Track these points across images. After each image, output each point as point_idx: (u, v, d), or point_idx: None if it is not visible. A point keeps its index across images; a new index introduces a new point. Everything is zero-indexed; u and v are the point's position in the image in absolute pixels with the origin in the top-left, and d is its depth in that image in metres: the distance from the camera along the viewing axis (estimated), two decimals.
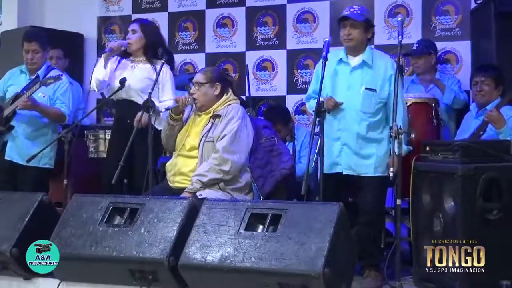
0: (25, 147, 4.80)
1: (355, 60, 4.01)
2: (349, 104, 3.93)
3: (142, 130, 4.18)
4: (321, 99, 3.74)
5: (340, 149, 3.96)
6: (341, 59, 4.05)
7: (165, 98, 4.51)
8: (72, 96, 4.99)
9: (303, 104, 5.98)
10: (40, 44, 4.87)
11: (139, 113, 4.21)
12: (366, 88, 3.93)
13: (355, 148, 3.94)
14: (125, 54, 4.64)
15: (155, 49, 4.56)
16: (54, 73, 4.77)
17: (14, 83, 4.92)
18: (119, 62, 4.61)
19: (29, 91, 4.64)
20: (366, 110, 3.93)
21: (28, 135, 4.84)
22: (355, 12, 3.97)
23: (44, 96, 4.79)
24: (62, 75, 4.80)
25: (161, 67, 4.35)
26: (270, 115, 5.38)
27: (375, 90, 3.93)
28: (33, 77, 4.83)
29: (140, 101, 4.41)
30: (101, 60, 4.55)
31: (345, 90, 3.97)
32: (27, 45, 4.86)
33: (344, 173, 3.96)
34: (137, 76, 4.53)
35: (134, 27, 4.62)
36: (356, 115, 3.93)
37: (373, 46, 4.24)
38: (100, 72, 4.52)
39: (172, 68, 5.86)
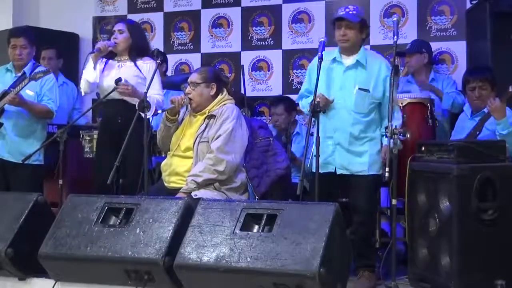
0: (15, 145, 4.79)
1: (348, 60, 4.01)
2: (342, 104, 3.94)
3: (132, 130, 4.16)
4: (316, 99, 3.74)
5: (333, 149, 3.96)
6: (334, 58, 4.05)
7: (153, 92, 4.48)
8: (59, 92, 4.99)
9: (298, 104, 5.99)
10: (28, 40, 4.87)
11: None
12: (359, 89, 3.93)
13: (348, 147, 3.94)
14: (109, 54, 4.62)
15: (139, 49, 4.59)
16: (41, 69, 4.77)
17: (0, 81, 4.90)
18: (106, 63, 4.60)
19: (17, 87, 4.63)
20: (359, 110, 3.93)
21: (17, 133, 4.81)
22: (350, 12, 3.96)
23: (31, 93, 4.78)
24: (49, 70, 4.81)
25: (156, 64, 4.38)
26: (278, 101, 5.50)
27: (368, 90, 3.93)
28: (20, 74, 4.82)
29: (129, 99, 4.44)
30: (90, 62, 4.52)
31: (338, 89, 3.97)
32: (15, 41, 4.86)
33: (338, 172, 3.96)
34: (125, 74, 4.51)
35: (121, 27, 4.61)
36: (348, 115, 3.94)
37: (367, 47, 4.23)
38: (90, 74, 4.50)
39: (165, 68, 5.90)
